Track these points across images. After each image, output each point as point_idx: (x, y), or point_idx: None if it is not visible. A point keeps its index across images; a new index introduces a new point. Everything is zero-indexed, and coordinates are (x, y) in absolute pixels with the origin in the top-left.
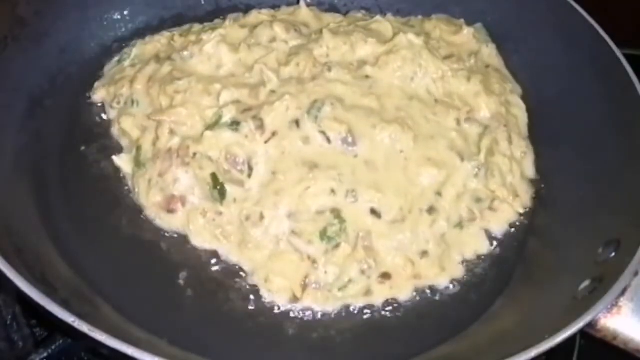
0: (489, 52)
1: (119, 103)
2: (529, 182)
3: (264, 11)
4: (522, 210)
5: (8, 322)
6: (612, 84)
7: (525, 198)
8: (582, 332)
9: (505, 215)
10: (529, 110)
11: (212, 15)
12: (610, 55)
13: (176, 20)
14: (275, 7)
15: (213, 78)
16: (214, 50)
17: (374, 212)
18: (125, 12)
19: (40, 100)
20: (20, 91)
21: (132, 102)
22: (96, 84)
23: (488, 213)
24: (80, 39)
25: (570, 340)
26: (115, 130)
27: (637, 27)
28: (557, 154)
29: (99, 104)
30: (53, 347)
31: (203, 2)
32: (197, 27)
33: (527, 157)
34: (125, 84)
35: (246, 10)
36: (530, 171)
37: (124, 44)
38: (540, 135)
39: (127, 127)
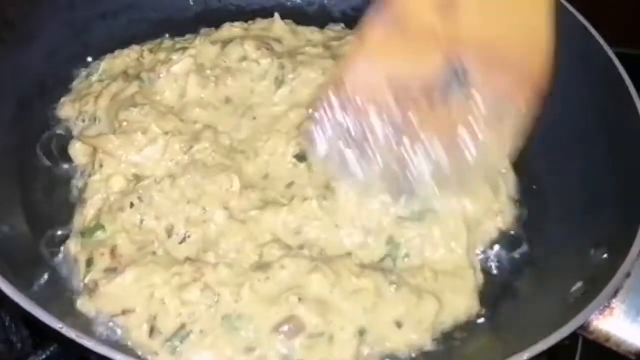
0: None
1: (83, 121)
2: (511, 201)
3: (236, 24)
4: (504, 228)
5: (7, 324)
6: (603, 85)
7: (507, 215)
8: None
9: (487, 232)
10: None
11: (201, 18)
12: (602, 55)
13: (165, 23)
14: (255, 15)
15: (169, 111)
16: (182, 73)
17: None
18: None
19: (29, 103)
20: (8, 94)
21: (95, 119)
22: (62, 99)
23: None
24: (69, 42)
25: (573, 340)
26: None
27: (629, 25)
28: (548, 157)
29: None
30: (52, 349)
31: (192, 3)
32: (167, 42)
33: (508, 175)
34: (90, 100)
35: (236, 12)
36: (512, 189)
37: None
38: (530, 137)
39: (74, 152)
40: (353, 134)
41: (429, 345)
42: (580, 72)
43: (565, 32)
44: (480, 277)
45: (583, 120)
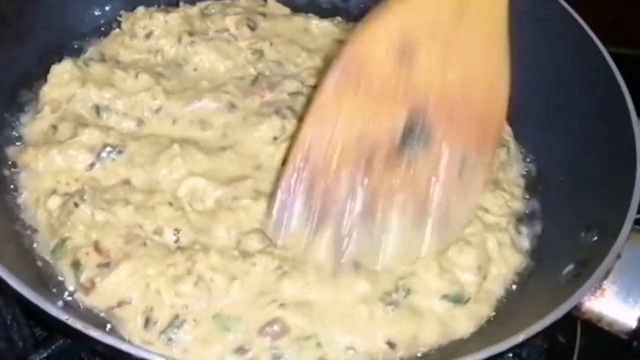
0: None
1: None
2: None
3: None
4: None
5: (8, 322)
6: (593, 72)
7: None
8: (582, 332)
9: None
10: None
11: None
12: (592, 46)
13: None
14: None
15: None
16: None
17: (389, 344)
18: (107, 8)
19: (22, 98)
20: (2, 90)
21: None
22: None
23: None
24: (62, 37)
25: (571, 339)
26: None
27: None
28: (539, 141)
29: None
30: (53, 347)
31: None
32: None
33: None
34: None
35: None
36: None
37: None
38: (523, 122)
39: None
40: (319, 210)
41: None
42: (571, 61)
43: (554, 23)
44: (490, 305)
45: (574, 107)
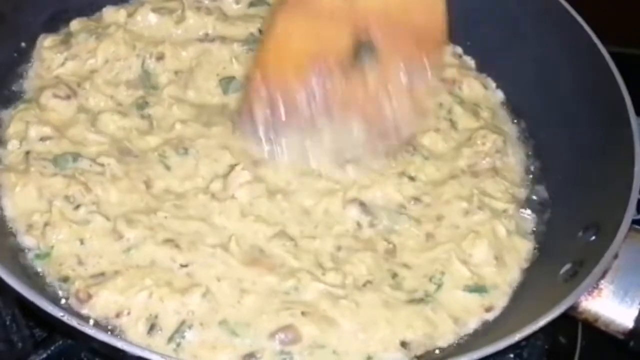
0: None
1: None
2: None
3: None
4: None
5: (7, 323)
6: (592, 71)
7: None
8: (583, 332)
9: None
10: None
11: None
12: (591, 45)
13: None
14: None
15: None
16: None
17: (403, 344)
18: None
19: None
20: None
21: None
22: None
23: None
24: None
25: (572, 340)
26: None
27: (623, 24)
28: (535, 141)
29: None
30: (52, 348)
31: None
32: None
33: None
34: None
35: None
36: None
37: None
38: (521, 121)
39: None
40: (287, 120)
41: None
42: (567, 58)
43: (559, 27)
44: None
45: (570, 106)
